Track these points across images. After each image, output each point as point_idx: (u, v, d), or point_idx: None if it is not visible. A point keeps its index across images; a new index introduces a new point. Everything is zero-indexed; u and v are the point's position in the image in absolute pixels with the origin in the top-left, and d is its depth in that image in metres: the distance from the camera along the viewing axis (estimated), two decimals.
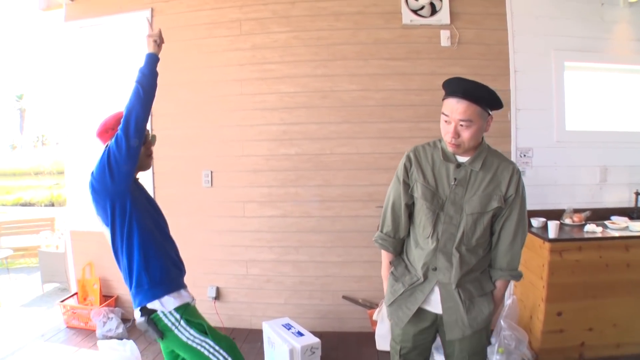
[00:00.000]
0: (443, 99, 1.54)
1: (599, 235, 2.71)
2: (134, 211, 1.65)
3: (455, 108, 1.47)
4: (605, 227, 2.85)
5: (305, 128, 3.05)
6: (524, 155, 3.03)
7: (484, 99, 1.46)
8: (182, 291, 1.72)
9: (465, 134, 1.48)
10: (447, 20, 3.01)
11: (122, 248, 1.67)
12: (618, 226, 2.85)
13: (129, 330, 3.13)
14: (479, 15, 3.00)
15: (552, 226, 2.73)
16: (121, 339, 2.81)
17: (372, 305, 3.00)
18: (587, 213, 2.96)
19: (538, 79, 3.05)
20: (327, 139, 3.04)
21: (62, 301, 3.38)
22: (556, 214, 2.93)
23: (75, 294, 3.41)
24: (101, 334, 3.01)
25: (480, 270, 1.64)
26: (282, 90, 3.06)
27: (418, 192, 1.61)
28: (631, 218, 3.00)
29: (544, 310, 2.68)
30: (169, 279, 1.70)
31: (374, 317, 2.87)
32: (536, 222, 2.89)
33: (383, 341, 2.82)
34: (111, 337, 2.93)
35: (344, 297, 3.07)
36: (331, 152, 3.04)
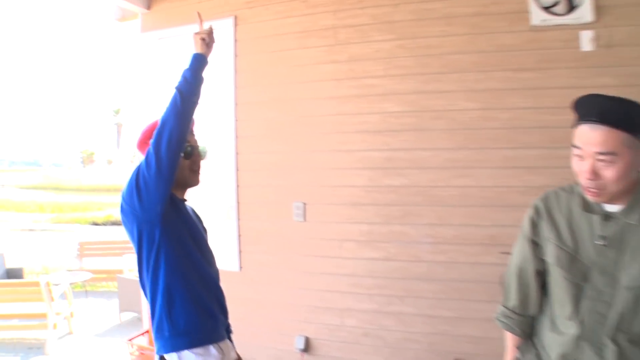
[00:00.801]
0: (573, 127, 1.30)
1: None
2: (164, 243, 1.56)
3: (589, 138, 1.20)
4: None
5: (414, 155, 2.95)
6: None
7: (632, 121, 1.17)
8: (212, 348, 1.58)
9: (608, 174, 1.20)
10: (590, 18, 2.74)
11: (147, 282, 1.61)
12: None
13: None
14: (634, 7, 2.68)
15: None
16: None
17: None
18: None
19: None
20: (440, 168, 2.91)
21: (131, 340, 3.44)
22: None
23: (147, 332, 3.51)
24: None
25: None
26: (386, 109, 3.00)
27: (551, 256, 1.36)
28: None
29: None
30: (196, 330, 1.58)
31: None
32: None
33: None
34: None
35: None
36: (445, 184, 2.90)
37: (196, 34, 1.68)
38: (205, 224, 1.86)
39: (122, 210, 1.58)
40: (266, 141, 3.21)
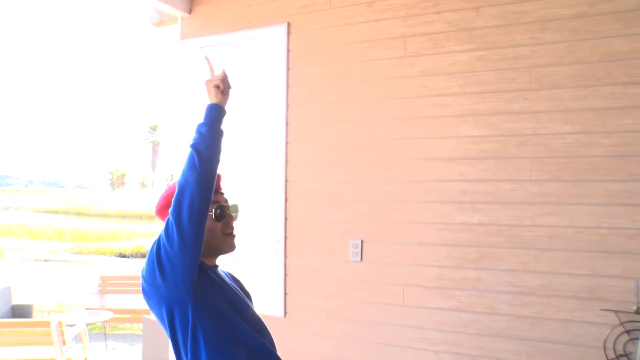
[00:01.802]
0: None
1: None
2: (200, 321, 1.54)
3: None
4: None
5: (495, 187, 2.94)
6: None
7: None
8: None
9: None
10: None
11: None
12: None
13: None
14: None
15: None
16: None
17: None
18: None
19: None
20: (526, 203, 2.87)
21: None
22: None
23: None
24: None
25: None
26: (462, 133, 3.02)
27: None
28: None
29: None
30: None
31: None
32: None
33: None
34: None
35: None
36: (532, 223, 2.86)
37: (208, 81, 1.68)
38: (246, 288, 1.88)
39: (145, 291, 1.58)
40: (320, 168, 3.33)
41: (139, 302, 6.23)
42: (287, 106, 3.40)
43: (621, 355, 2.65)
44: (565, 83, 2.81)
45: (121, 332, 6.40)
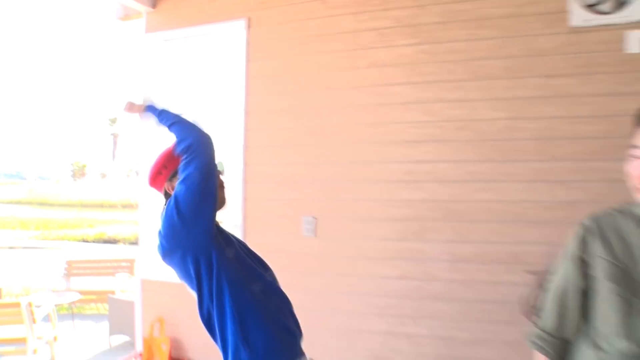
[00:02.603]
0: (634, 130, 1.54)
1: None
2: (223, 265, 1.71)
3: None
4: None
5: (435, 167, 3.21)
6: None
7: None
8: None
9: None
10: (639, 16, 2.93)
11: (214, 314, 1.74)
12: None
13: None
14: None
15: None
16: None
17: None
18: None
19: None
20: (462, 181, 3.16)
21: None
22: None
23: (140, 354, 3.90)
24: None
25: None
26: (407, 119, 3.27)
27: (602, 272, 1.54)
28: None
29: None
30: (277, 350, 1.75)
31: None
32: None
33: None
34: None
35: None
36: (467, 198, 3.16)
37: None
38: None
39: (166, 252, 1.75)
40: (277, 152, 3.53)
41: (104, 283, 6.36)
42: (247, 95, 3.58)
43: (537, 308, 3.01)
44: (497, 75, 3.11)
45: (88, 312, 6.50)
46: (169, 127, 1.82)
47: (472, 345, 3.16)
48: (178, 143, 1.76)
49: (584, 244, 1.59)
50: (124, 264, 6.39)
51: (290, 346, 1.81)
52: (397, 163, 3.27)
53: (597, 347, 1.53)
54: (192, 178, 1.67)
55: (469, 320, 3.16)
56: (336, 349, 3.37)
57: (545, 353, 1.67)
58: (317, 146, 3.45)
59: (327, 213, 3.38)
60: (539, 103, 3.06)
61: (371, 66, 3.32)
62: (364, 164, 3.33)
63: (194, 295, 1.78)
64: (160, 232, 1.74)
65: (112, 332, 4.74)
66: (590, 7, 2.98)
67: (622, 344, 1.46)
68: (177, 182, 1.74)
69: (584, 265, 1.59)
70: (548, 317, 1.69)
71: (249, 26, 3.61)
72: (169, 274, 3.66)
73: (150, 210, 3.88)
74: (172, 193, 1.76)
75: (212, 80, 3.73)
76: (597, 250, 1.54)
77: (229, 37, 3.68)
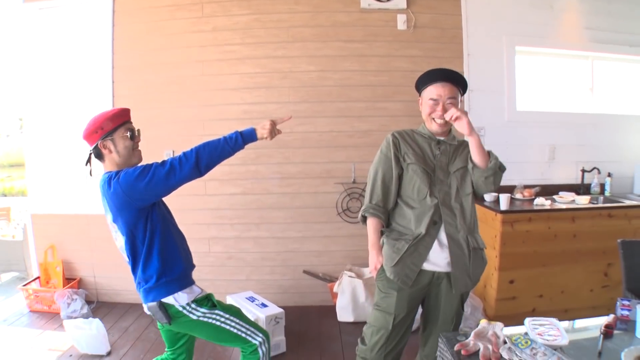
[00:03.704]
0: (422, 89, 2.33)
1: (548, 207, 3.66)
2: (156, 220, 2.11)
3: (442, 90, 2.23)
4: (553, 200, 3.81)
5: (265, 107, 4.04)
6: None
7: (461, 82, 2.29)
8: (194, 287, 2.22)
9: (451, 108, 2.19)
10: (403, 5, 4.08)
11: (141, 255, 2.12)
12: (565, 200, 3.82)
13: (94, 311, 4.03)
14: (434, 0, 4.04)
15: (504, 199, 3.71)
16: (87, 318, 3.57)
17: (332, 279, 3.90)
18: (537, 189, 3.98)
19: (490, 62, 4.10)
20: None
21: (25, 285, 4.17)
22: (507, 190, 3.93)
23: (37, 278, 4.31)
24: (66, 315, 3.89)
25: (474, 226, 2.32)
26: (243, 71, 4.05)
27: (411, 158, 2.29)
28: (578, 194, 4.00)
29: (497, 279, 3.66)
30: (184, 277, 2.19)
31: (335, 290, 3.73)
32: (489, 196, 3.85)
33: (344, 313, 3.75)
34: (76, 318, 3.70)
35: (305, 272, 3.98)
36: (290, 130, 4.02)
37: (274, 122, 2.34)
38: None
39: (116, 196, 2.02)
40: (141, 99, 4.07)
41: None
42: (113, 53, 4.08)
43: (345, 210, 4.01)
44: (310, 38, 4.02)
45: None
46: (225, 139, 2.27)
47: (301, 241, 4.08)
48: (200, 154, 2.14)
49: (395, 145, 2.33)
50: (1, 212, 6.37)
51: (190, 275, 2.26)
52: (236, 105, 4.01)
53: (409, 206, 2.37)
54: (186, 165, 2.06)
55: (297, 223, 4.07)
56: (199, 253, 4.00)
57: (378, 216, 2.34)
58: (173, 93, 4.03)
59: (183, 146, 3.73)
60: (340, 60, 4.03)
61: (214, 30, 4.02)
62: (210, 106, 4.02)
63: (120, 237, 2.13)
64: (119, 180, 2.03)
65: (1, 271, 4.85)
66: None
67: (428, 199, 2.32)
68: (141, 166, 2.05)
69: (397, 158, 2.32)
70: (376, 195, 2.35)
71: None
72: (56, 208, 4.11)
73: (38, 158, 4.25)
74: (112, 154, 2.12)
75: (82, 44, 4.06)
76: (404, 148, 2.37)
77: (98, 5, 4.09)
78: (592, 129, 4.23)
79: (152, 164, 2.07)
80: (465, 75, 4.02)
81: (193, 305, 2.15)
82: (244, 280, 4.09)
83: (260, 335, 2.29)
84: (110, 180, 2.06)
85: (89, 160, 2.27)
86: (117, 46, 4.10)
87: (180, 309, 2.13)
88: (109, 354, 3.34)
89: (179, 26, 4.05)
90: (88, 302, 4.09)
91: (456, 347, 1.74)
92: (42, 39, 4.23)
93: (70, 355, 3.32)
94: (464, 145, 2.36)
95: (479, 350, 1.72)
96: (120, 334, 3.64)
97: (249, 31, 4.01)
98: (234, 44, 4.02)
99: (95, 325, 3.36)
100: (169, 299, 2.12)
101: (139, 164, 2.16)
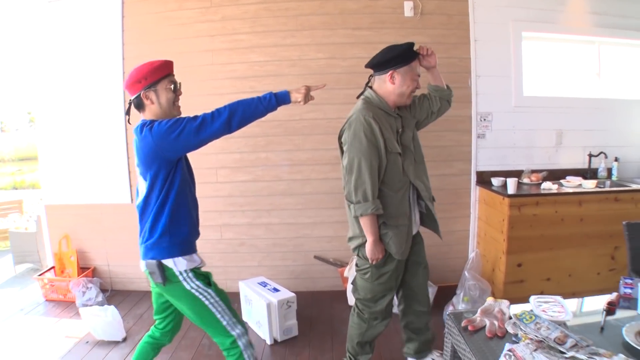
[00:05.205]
0: (400, 65, 2.44)
1: (555, 191, 3.64)
2: (177, 178, 2.11)
3: (418, 67, 2.46)
4: (560, 185, 3.79)
5: None
6: (484, 120, 3.98)
7: None
8: (195, 255, 2.22)
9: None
10: None
11: (153, 207, 2.12)
12: (572, 184, 3.80)
13: (109, 299, 4.03)
14: None
15: (511, 183, 3.70)
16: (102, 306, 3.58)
17: (342, 264, 3.90)
18: (544, 173, 3.95)
19: (497, 47, 4.06)
20: (295, 105, 3.86)
21: (40, 275, 4.19)
22: (515, 174, 3.94)
23: (52, 267, 4.34)
24: (81, 304, 3.92)
25: (429, 180, 2.64)
26: (252, 59, 4.04)
27: (391, 145, 2.36)
28: (585, 178, 3.98)
29: (505, 262, 3.67)
30: (187, 242, 2.19)
31: (345, 274, 3.73)
32: (496, 181, 3.84)
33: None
34: (91, 306, 3.71)
35: (316, 257, 3.98)
36: (300, 117, 4.01)
37: (308, 87, 2.35)
38: None
39: (146, 143, 2.03)
40: None
41: (5, 224, 6.24)
42: (123, 44, 4.06)
43: None
44: (318, 26, 4.00)
45: None
46: (259, 98, 2.21)
47: (312, 226, 4.09)
48: (233, 111, 2.13)
49: (371, 129, 2.33)
50: (12, 205, 6.40)
51: (194, 242, 2.26)
52: (246, 93, 3.81)
53: (392, 190, 2.45)
54: (218, 120, 2.08)
55: (308, 209, 4.07)
56: (211, 240, 4.09)
57: (379, 210, 2.37)
58: (183, 83, 3.86)
59: None
60: (349, 47, 4.00)
61: (223, 19, 3.99)
62: (219, 95, 4.00)
63: (142, 182, 2.14)
64: (152, 128, 2.03)
65: (16, 262, 4.88)
66: None
67: (404, 178, 2.44)
68: (181, 121, 2.04)
69: (383, 147, 2.34)
70: (371, 190, 2.33)
71: None
72: (69, 198, 4.11)
73: (52, 149, 4.25)
74: (153, 104, 2.15)
75: (91, 34, 4.06)
76: (380, 134, 2.36)
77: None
78: (599, 113, 4.19)
79: (184, 117, 2.08)
80: (472, 61, 4.01)
81: (190, 274, 2.14)
82: (255, 266, 4.10)
83: (239, 327, 2.28)
84: (143, 127, 2.08)
85: (128, 111, 2.31)
86: (127, 37, 4.09)
87: (177, 273, 2.13)
88: (124, 340, 3.38)
89: (188, 16, 4.03)
90: (102, 290, 4.13)
91: (463, 323, 1.79)
92: (51, 32, 4.22)
93: (87, 342, 3.36)
94: (402, 112, 2.56)
95: (485, 325, 1.77)
96: (135, 321, 3.66)
97: (258, 20, 4.00)
98: (243, 33, 4.01)
99: (111, 313, 3.40)
100: (168, 262, 2.12)
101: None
